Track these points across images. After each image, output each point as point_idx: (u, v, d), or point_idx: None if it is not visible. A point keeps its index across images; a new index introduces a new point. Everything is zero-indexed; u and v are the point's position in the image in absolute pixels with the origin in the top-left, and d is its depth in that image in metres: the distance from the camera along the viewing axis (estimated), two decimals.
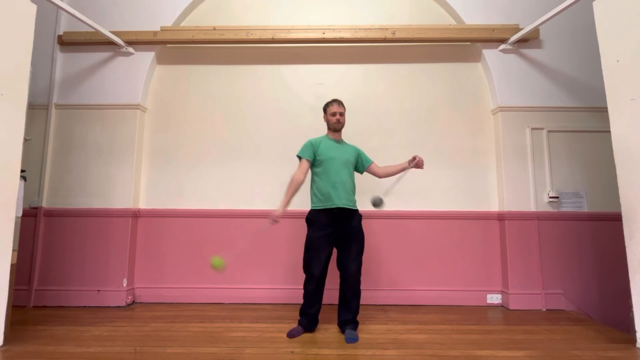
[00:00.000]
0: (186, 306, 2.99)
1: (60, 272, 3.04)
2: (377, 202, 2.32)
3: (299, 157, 2.43)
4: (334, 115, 2.43)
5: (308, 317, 2.34)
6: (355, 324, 2.32)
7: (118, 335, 2.28)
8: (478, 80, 3.36)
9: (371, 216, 3.16)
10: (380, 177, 2.58)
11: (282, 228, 3.16)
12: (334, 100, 2.48)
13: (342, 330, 2.31)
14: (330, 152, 2.39)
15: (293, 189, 2.34)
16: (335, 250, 2.39)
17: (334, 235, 2.32)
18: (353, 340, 2.18)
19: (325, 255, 2.30)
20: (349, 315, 2.31)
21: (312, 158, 2.40)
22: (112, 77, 3.24)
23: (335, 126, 2.45)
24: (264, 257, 3.17)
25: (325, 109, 2.51)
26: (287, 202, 2.32)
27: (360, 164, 2.54)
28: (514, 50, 3.23)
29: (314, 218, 2.35)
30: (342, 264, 2.33)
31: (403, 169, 2.47)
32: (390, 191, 3.21)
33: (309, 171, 2.43)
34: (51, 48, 3.24)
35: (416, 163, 2.41)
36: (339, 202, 2.30)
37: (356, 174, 2.54)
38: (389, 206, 3.19)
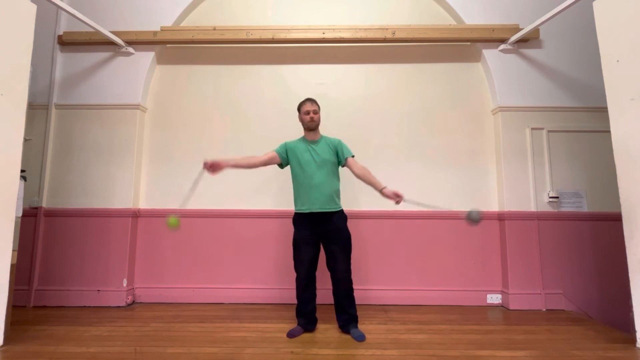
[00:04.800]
0: (186, 306, 2.99)
1: (60, 272, 3.04)
2: (474, 218, 2.22)
3: None
4: (307, 113, 2.40)
5: (304, 317, 2.35)
6: (355, 322, 2.33)
7: (118, 335, 2.28)
8: (478, 80, 3.36)
9: (371, 216, 3.17)
10: (355, 175, 2.39)
11: (282, 228, 3.16)
12: (307, 99, 2.47)
13: (346, 331, 2.32)
14: (303, 156, 2.38)
15: (244, 160, 2.42)
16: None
17: (316, 236, 2.33)
18: (361, 338, 2.20)
19: (309, 256, 2.31)
20: (346, 315, 2.33)
21: (282, 154, 2.44)
22: (112, 77, 3.24)
23: (309, 125, 2.42)
24: (264, 257, 3.17)
25: (299, 108, 2.48)
26: (233, 164, 2.35)
27: (341, 157, 2.42)
28: (514, 50, 3.23)
29: (295, 219, 2.40)
30: (329, 266, 2.34)
31: (374, 187, 2.31)
32: (390, 187, 3.22)
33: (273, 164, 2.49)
34: (51, 48, 3.24)
35: (390, 196, 2.24)
36: (314, 206, 2.30)
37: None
38: (388, 206, 3.20)
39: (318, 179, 2.32)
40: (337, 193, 2.40)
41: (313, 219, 2.32)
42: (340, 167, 2.48)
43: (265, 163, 2.44)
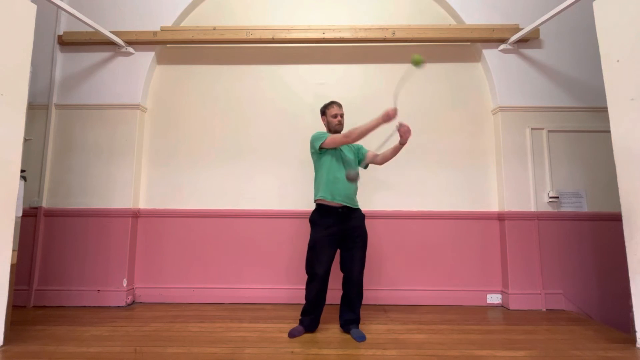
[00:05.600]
0: (186, 306, 2.99)
1: (60, 272, 3.04)
2: (352, 176, 2.19)
3: (321, 146, 2.34)
4: (335, 117, 2.43)
5: (310, 317, 2.34)
6: (358, 323, 2.34)
7: (118, 335, 2.28)
8: (478, 80, 3.36)
9: (371, 216, 3.15)
10: (379, 164, 2.53)
11: (282, 228, 3.17)
12: (334, 102, 2.48)
13: (347, 331, 2.32)
14: (332, 149, 2.39)
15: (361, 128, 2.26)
16: (338, 251, 2.39)
17: (337, 235, 2.31)
18: (362, 338, 2.20)
19: (329, 255, 2.30)
20: (352, 315, 2.33)
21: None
22: (112, 77, 3.24)
23: (337, 128, 2.44)
24: (264, 257, 3.17)
25: (324, 111, 2.50)
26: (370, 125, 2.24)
27: (361, 158, 2.52)
28: (514, 50, 3.23)
29: (316, 218, 2.35)
30: (346, 265, 2.34)
31: (396, 149, 2.41)
32: (390, 187, 3.23)
33: (317, 163, 2.44)
34: (51, 48, 3.24)
35: (401, 133, 2.29)
36: (336, 198, 2.30)
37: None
38: (389, 206, 3.21)
39: (343, 175, 2.33)
40: (356, 192, 2.43)
41: (336, 215, 2.30)
42: (365, 167, 2.56)
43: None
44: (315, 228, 2.35)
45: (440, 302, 3.09)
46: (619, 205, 2.21)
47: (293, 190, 3.20)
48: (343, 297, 2.37)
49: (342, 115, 2.45)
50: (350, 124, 3.22)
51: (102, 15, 3.27)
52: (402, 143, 2.35)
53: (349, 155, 2.46)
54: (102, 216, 3.09)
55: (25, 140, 2.37)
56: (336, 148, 2.39)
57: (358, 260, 2.32)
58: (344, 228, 2.31)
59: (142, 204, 3.25)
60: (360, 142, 2.55)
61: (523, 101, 3.19)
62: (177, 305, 3.03)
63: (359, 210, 2.41)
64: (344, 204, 2.30)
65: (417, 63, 2.11)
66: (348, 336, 2.26)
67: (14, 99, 2.15)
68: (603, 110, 2.76)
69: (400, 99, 3.32)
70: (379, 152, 2.47)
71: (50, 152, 3.16)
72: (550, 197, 3.07)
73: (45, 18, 3.15)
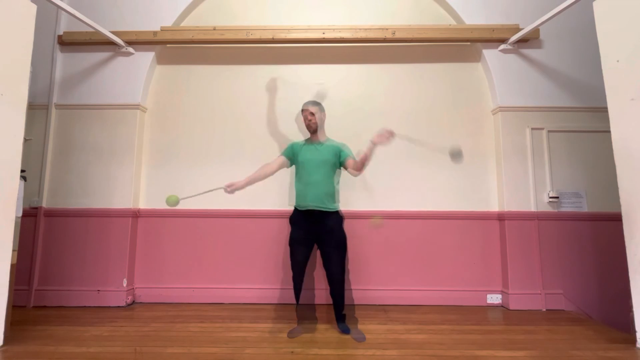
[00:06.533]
0: (186, 306, 2.99)
1: (60, 272, 3.04)
2: (455, 154, 2.09)
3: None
4: (306, 118, 2.47)
5: (298, 309, 2.48)
6: (344, 320, 2.39)
7: (118, 335, 2.28)
8: (478, 80, 3.36)
9: (371, 216, 3.16)
10: (352, 172, 2.38)
11: (282, 228, 3.16)
12: (305, 103, 2.51)
13: (343, 331, 2.35)
14: (305, 154, 2.45)
15: (258, 173, 2.47)
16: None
17: (310, 235, 2.38)
18: (362, 339, 2.22)
19: (301, 254, 2.39)
20: (338, 313, 2.39)
21: (290, 156, 2.52)
22: (112, 77, 3.24)
23: (307, 128, 2.50)
24: (264, 257, 3.17)
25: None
26: (248, 181, 2.42)
27: (342, 158, 2.43)
28: (514, 50, 3.23)
29: (292, 218, 2.46)
30: (325, 264, 2.40)
31: (367, 154, 2.22)
32: (390, 187, 3.23)
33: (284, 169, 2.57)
34: (51, 48, 3.24)
35: (381, 138, 2.15)
36: (310, 203, 2.35)
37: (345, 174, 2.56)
38: (389, 206, 3.21)
39: (316, 177, 2.37)
40: (333, 194, 2.42)
41: (308, 217, 2.37)
42: (343, 168, 2.50)
43: (277, 169, 2.52)
44: (291, 227, 2.46)
45: (440, 302, 3.08)
46: (619, 205, 2.21)
47: (292, 190, 3.18)
48: (331, 298, 2.42)
49: (311, 114, 2.45)
50: (350, 123, 3.24)
51: (102, 15, 3.27)
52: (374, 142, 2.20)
53: (327, 156, 2.40)
54: (102, 216, 3.08)
55: (25, 140, 2.37)
56: (299, 157, 2.46)
57: (334, 262, 2.34)
58: (316, 229, 2.36)
59: (142, 204, 3.25)
60: (361, 148, 2.55)
61: (523, 101, 3.19)
62: (177, 305, 3.03)
63: (334, 213, 2.40)
64: (316, 208, 2.34)
65: (171, 202, 2.35)
66: (348, 336, 2.27)
67: (14, 99, 2.15)
68: (603, 110, 2.76)
69: (400, 99, 3.35)
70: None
71: (50, 152, 3.16)
72: (550, 197, 3.07)
73: (45, 18, 3.15)
